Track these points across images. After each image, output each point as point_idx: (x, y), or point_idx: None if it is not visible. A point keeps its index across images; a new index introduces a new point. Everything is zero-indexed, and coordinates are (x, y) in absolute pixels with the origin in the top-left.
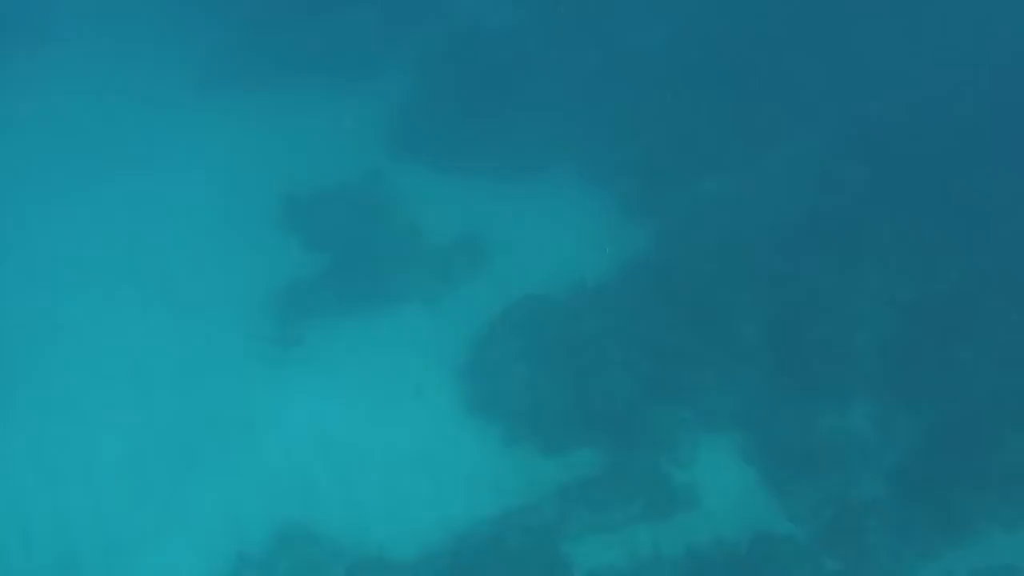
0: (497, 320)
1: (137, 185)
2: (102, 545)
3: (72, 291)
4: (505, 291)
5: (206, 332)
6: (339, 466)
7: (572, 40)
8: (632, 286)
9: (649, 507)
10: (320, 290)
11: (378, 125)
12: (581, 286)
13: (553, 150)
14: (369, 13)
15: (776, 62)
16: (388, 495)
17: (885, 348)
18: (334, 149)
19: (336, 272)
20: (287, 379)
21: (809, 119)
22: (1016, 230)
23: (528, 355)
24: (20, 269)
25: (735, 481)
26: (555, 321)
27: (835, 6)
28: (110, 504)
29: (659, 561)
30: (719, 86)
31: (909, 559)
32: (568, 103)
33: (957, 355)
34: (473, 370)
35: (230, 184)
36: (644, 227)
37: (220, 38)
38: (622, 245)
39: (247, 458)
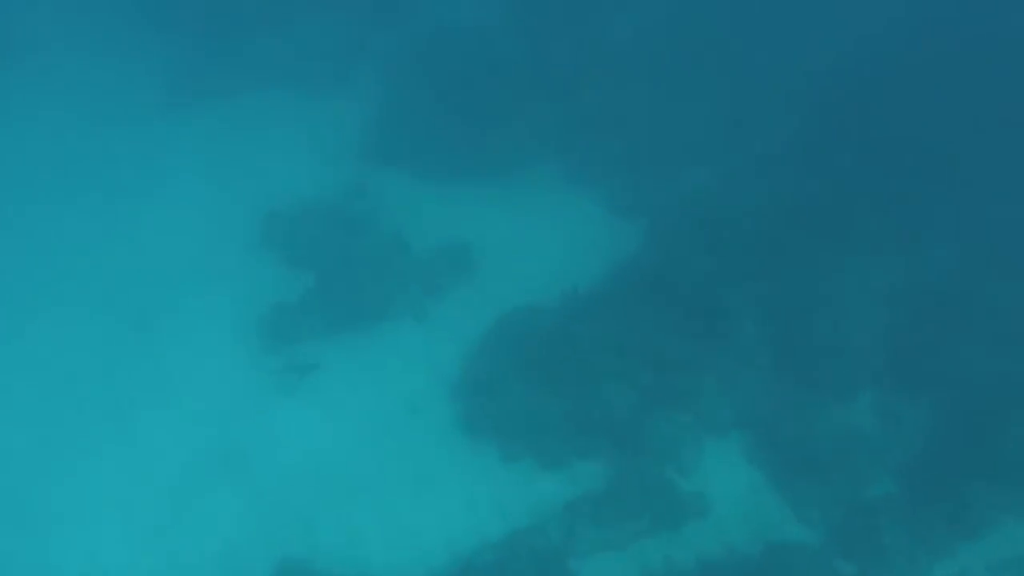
0: (489, 333)
1: (106, 208)
2: None
3: (43, 323)
4: (496, 302)
5: (187, 363)
6: (336, 494)
7: (546, 36)
8: (625, 290)
9: (657, 519)
10: (306, 312)
11: (353, 134)
12: (573, 293)
13: (535, 150)
14: (336, 18)
15: (756, 48)
16: (388, 522)
17: (887, 341)
18: (310, 161)
19: (321, 292)
20: (277, 407)
21: (794, 105)
22: (1013, 212)
23: (523, 368)
24: None
25: (743, 486)
26: (548, 331)
27: None
28: (101, 549)
29: (671, 574)
30: (697, 75)
31: (924, 558)
32: (547, 100)
33: (959, 344)
34: (468, 386)
35: (203, 204)
36: (633, 226)
37: (183, 51)
38: (612, 246)
39: (240, 492)
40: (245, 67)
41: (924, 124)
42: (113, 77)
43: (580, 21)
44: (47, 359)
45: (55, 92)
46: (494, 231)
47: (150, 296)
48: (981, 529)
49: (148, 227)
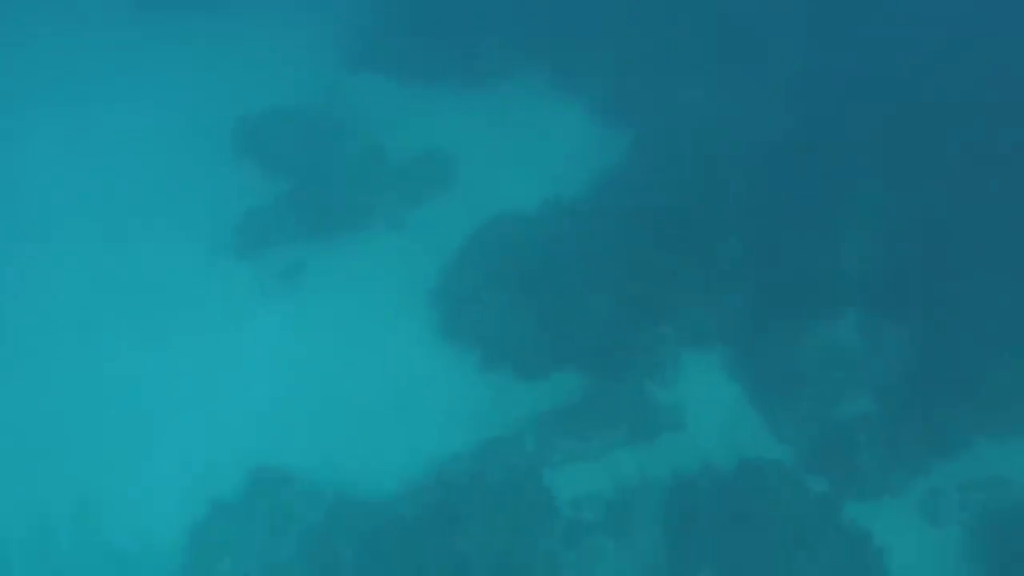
0: (469, 242)
1: (78, 115)
2: (74, 501)
3: (17, 234)
4: (476, 211)
5: (162, 270)
6: (312, 404)
7: None
8: (609, 202)
9: (633, 431)
10: (281, 218)
11: (332, 39)
12: (556, 202)
13: (521, 57)
14: None
15: None
16: (364, 432)
17: (873, 261)
18: (287, 66)
19: (297, 198)
20: (251, 315)
21: (795, 29)
22: (1009, 141)
23: (502, 278)
24: None
25: (721, 401)
26: (530, 241)
27: None
28: (79, 458)
29: (645, 487)
30: None
31: (898, 477)
32: (535, 5)
33: (946, 267)
34: (446, 296)
35: (178, 109)
36: (620, 138)
37: None
38: (598, 158)
39: (214, 401)
40: None
41: (928, 51)
42: None
43: None
44: (18, 270)
45: None
46: (476, 139)
47: (123, 203)
48: (954, 450)
49: (120, 133)
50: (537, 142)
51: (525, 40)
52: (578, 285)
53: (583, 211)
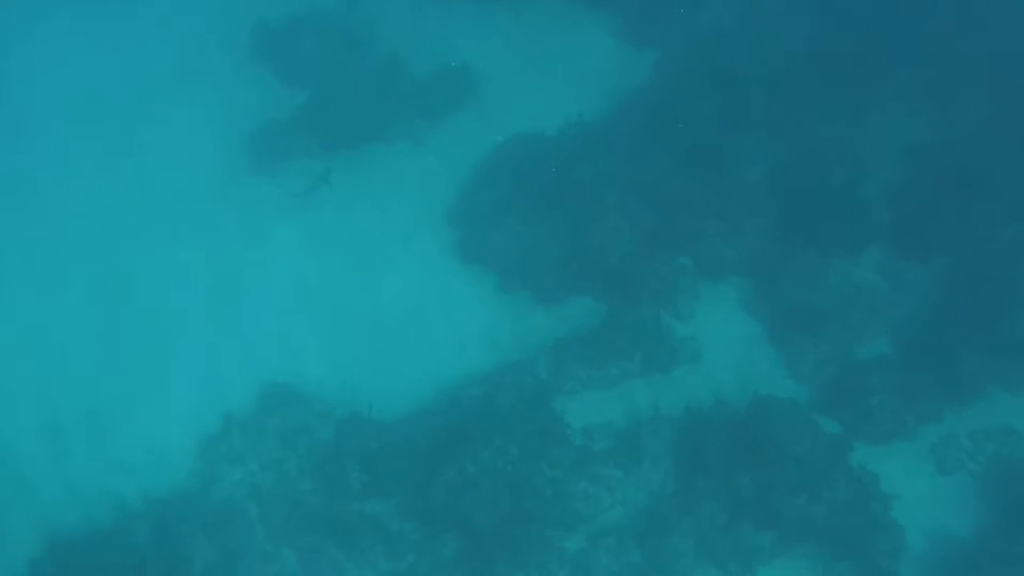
0: (487, 161)
1: (88, 21)
2: (85, 410)
3: (30, 141)
4: (496, 129)
5: (177, 182)
6: (325, 321)
7: None
8: (632, 124)
9: (647, 362)
10: (298, 132)
11: None
12: (577, 124)
13: None
14: None
15: None
16: (377, 351)
17: (899, 197)
18: None
19: (314, 111)
20: (266, 229)
21: None
22: None
23: (521, 200)
24: None
25: (737, 335)
26: (549, 162)
27: None
28: (91, 367)
29: (656, 419)
30: None
31: (910, 421)
32: None
33: (975, 207)
34: (463, 216)
35: (193, 14)
36: (644, 58)
37: None
38: (621, 78)
39: (229, 315)
40: None
41: None
42: None
43: None
44: (34, 175)
45: None
46: (498, 55)
47: (135, 111)
48: (970, 398)
49: (131, 37)
50: (560, 61)
51: None
52: (597, 210)
53: (605, 133)
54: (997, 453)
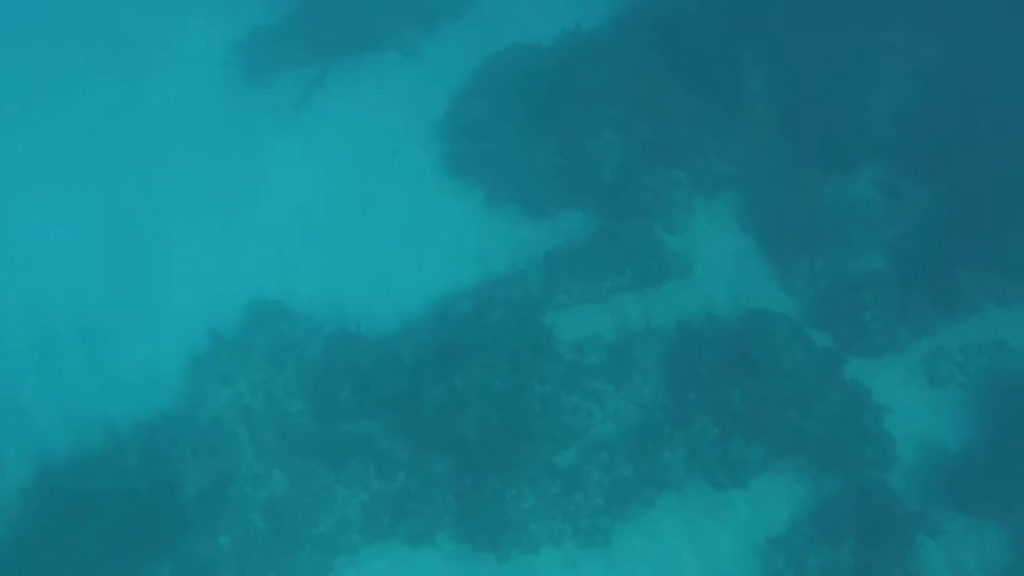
0: (481, 72)
1: None
2: (77, 326)
3: (25, 54)
4: (490, 39)
5: (165, 93)
6: (314, 235)
7: None
8: (629, 35)
9: (639, 275)
10: (287, 40)
11: None
12: (574, 35)
13: None
14: None
15: None
16: (366, 265)
17: (901, 114)
18: None
19: (304, 18)
20: (255, 141)
21: None
22: None
23: (513, 112)
24: None
25: (730, 249)
26: (545, 73)
27: None
28: (82, 284)
29: (647, 333)
30: None
31: (903, 335)
32: None
33: (978, 125)
34: (456, 127)
35: None
36: None
37: None
38: None
39: (218, 230)
40: None
41: None
42: None
43: None
44: (25, 88)
45: None
46: None
47: (123, 21)
48: (963, 312)
49: None
50: None
51: None
52: (591, 122)
53: (602, 44)
54: (988, 366)
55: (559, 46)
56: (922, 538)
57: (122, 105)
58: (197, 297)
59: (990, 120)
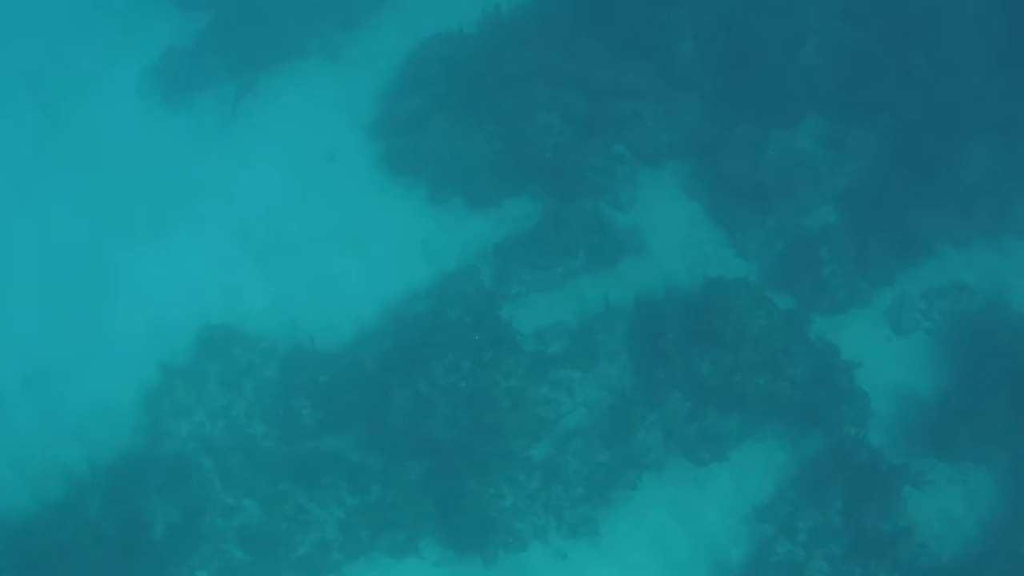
0: (407, 66)
1: None
2: (20, 375)
3: None
4: (411, 31)
5: (86, 126)
6: (258, 252)
7: None
8: (550, 12)
9: (592, 257)
10: (204, 57)
11: None
12: (495, 18)
13: None
14: None
15: None
16: (315, 277)
17: (836, 58)
18: None
19: (217, 33)
20: (184, 165)
21: None
22: None
23: (445, 102)
24: None
25: (681, 219)
26: (471, 62)
27: None
28: (21, 329)
29: (608, 314)
30: None
31: (863, 287)
32: None
33: (913, 61)
34: (388, 126)
35: None
36: None
37: None
38: None
39: (158, 258)
40: None
41: None
42: None
43: None
44: None
45: None
46: None
47: (30, 52)
48: (920, 256)
49: None
50: None
51: None
52: (525, 105)
53: (525, 22)
54: (951, 309)
55: (482, 31)
56: (908, 490)
57: (44, 143)
58: (143, 330)
59: (923, 48)
